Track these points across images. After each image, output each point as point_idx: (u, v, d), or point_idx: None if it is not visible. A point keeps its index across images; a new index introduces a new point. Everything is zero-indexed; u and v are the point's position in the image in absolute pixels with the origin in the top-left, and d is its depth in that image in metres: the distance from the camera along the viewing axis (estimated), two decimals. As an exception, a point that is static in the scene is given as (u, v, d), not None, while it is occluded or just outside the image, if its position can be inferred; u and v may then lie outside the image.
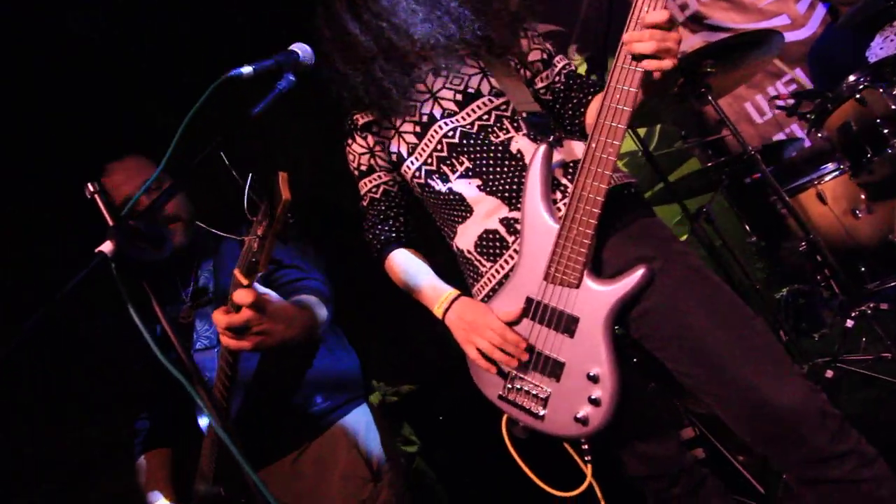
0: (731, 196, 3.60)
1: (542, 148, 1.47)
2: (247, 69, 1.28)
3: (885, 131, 2.73)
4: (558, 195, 1.53)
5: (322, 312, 1.81)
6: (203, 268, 2.06)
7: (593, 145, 1.35)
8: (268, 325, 1.49)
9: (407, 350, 5.12)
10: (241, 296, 1.42)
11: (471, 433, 3.84)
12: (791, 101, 3.13)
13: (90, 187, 1.33)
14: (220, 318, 1.45)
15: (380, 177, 1.76)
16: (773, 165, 3.53)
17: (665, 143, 4.32)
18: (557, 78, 1.66)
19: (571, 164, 1.57)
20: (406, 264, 1.71)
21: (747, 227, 3.64)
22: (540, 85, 1.66)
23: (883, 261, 2.96)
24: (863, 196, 3.04)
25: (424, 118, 1.63)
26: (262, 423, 1.87)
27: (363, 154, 1.76)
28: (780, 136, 4.49)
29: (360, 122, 1.74)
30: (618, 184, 1.50)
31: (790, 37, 4.40)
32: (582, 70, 3.37)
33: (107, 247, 1.13)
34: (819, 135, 3.08)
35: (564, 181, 1.55)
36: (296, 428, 1.92)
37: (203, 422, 1.85)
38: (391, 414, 4.05)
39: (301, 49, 1.41)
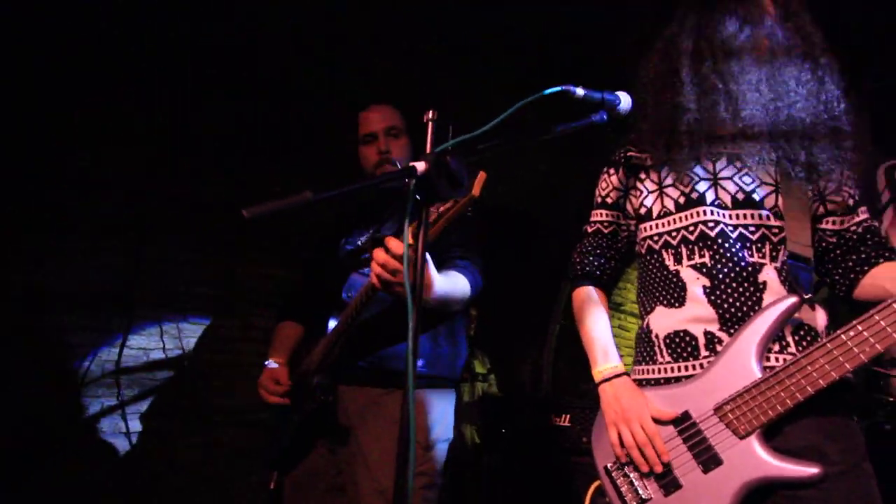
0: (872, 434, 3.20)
1: (793, 300, 1.28)
2: (580, 91, 1.23)
3: None
4: (776, 347, 1.32)
5: (462, 291, 1.78)
6: (392, 218, 2.06)
7: (852, 333, 1.16)
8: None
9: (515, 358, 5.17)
10: (395, 245, 1.44)
11: (525, 463, 3.85)
12: None
13: (429, 114, 1.26)
14: (378, 253, 1.48)
15: (618, 217, 1.60)
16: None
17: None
18: (854, 227, 1.41)
19: (806, 327, 1.33)
20: (593, 307, 1.57)
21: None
22: (830, 227, 1.42)
23: None
24: None
25: (695, 195, 1.41)
26: (370, 353, 1.88)
27: (617, 189, 1.59)
28: None
29: (632, 160, 1.56)
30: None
31: None
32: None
33: (420, 165, 1.09)
34: None
35: (789, 338, 1.32)
36: (393, 372, 1.86)
37: (332, 324, 1.89)
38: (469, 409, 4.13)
39: (624, 98, 1.32)
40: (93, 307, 2.55)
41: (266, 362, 2.04)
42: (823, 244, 1.44)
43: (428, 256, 1.55)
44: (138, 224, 2.64)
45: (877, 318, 1.15)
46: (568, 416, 3.95)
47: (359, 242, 2.07)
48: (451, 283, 1.74)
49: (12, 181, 2.34)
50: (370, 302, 1.68)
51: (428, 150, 1.17)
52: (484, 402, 4.28)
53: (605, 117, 1.28)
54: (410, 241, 1.17)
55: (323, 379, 1.87)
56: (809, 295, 1.34)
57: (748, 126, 1.36)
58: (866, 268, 1.39)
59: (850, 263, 1.41)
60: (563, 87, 1.20)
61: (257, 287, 3.15)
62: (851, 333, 1.17)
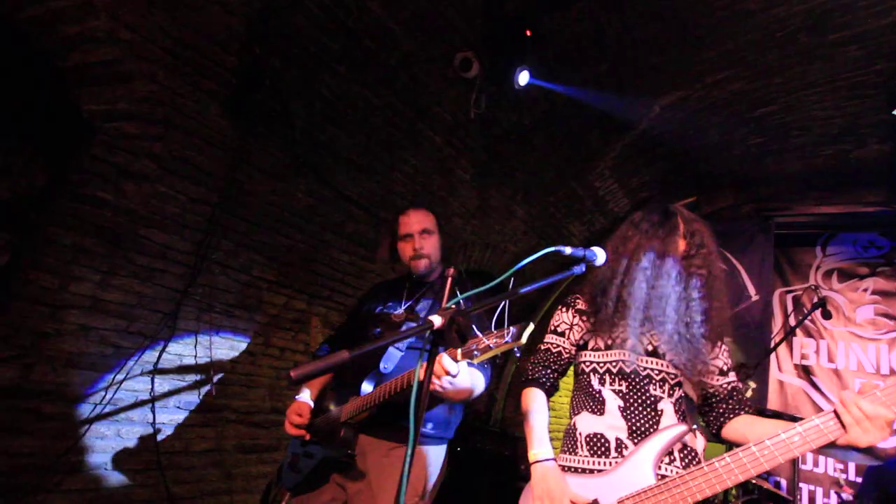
0: None
1: (684, 429, 1.45)
2: (568, 250, 1.31)
3: None
4: (666, 459, 1.48)
5: (479, 389, 1.81)
6: (425, 300, 2.04)
7: (723, 463, 1.28)
8: (451, 392, 1.59)
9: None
10: (443, 363, 1.50)
11: (473, 482, 3.87)
12: (850, 500, 2.82)
13: (450, 271, 1.36)
14: (438, 365, 1.50)
15: (564, 343, 1.69)
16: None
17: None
18: (725, 385, 1.58)
19: (688, 449, 1.51)
20: (537, 406, 1.61)
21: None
22: (709, 381, 1.59)
23: None
24: None
25: (619, 341, 1.57)
26: (395, 416, 1.82)
27: (565, 324, 1.70)
28: (809, 487, 4.08)
29: (579, 306, 1.69)
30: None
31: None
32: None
33: (437, 321, 1.12)
34: None
35: (676, 454, 1.49)
36: (405, 431, 1.83)
37: (366, 387, 1.84)
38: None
39: (600, 255, 1.39)
40: (146, 318, 2.57)
41: (297, 395, 2.00)
42: (705, 393, 1.62)
43: (464, 367, 1.60)
44: (196, 254, 2.67)
45: (740, 455, 1.27)
46: (513, 448, 4.02)
47: (389, 312, 2.04)
48: (474, 381, 1.76)
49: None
50: (406, 387, 1.68)
51: (444, 304, 1.26)
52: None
53: (584, 269, 1.38)
54: (459, 358, 1.21)
55: (349, 433, 1.82)
56: (695, 426, 1.53)
57: (663, 316, 1.54)
58: (731, 416, 1.56)
59: (720, 411, 1.58)
60: (556, 248, 1.32)
61: (280, 314, 3.18)
62: (723, 463, 1.29)
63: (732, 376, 1.61)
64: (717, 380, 1.59)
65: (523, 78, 3.15)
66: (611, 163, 4.46)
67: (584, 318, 1.67)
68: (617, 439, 1.50)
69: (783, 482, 4.16)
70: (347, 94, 2.99)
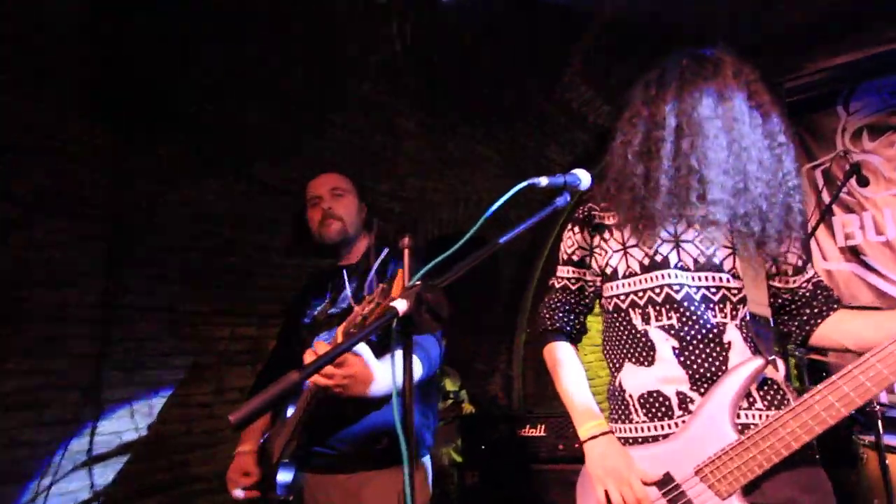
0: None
1: (759, 363, 1.35)
2: (543, 181, 1.27)
3: None
4: (744, 404, 1.37)
5: (421, 369, 1.73)
6: (351, 281, 2.01)
7: (818, 398, 1.21)
8: (347, 381, 1.55)
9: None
10: (321, 348, 1.44)
11: (504, 477, 3.91)
12: None
13: (405, 241, 1.28)
14: (313, 356, 1.45)
15: (584, 274, 1.60)
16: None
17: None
18: (805, 284, 1.51)
19: (769, 382, 1.41)
20: (568, 363, 1.57)
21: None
22: (784, 286, 1.51)
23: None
24: None
25: (659, 257, 1.45)
26: (331, 440, 1.80)
27: (581, 248, 1.60)
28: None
29: (596, 219, 1.58)
30: None
31: None
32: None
33: (401, 305, 1.06)
34: None
35: (756, 395, 1.39)
36: (358, 456, 1.78)
37: (289, 411, 1.82)
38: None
39: (584, 177, 1.34)
40: (60, 401, 2.42)
41: (238, 448, 1.97)
42: (779, 300, 1.53)
43: (363, 350, 1.57)
44: (101, 305, 2.51)
45: (839, 383, 1.21)
46: (543, 426, 4.04)
47: (314, 313, 2.04)
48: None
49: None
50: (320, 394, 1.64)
51: (407, 281, 1.18)
52: (460, 422, 4.30)
53: (568, 199, 1.31)
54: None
55: (285, 472, 1.77)
56: (773, 357, 1.39)
57: (712, 211, 1.42)
58: (819, 321, 1.49)
59: (805, 317, 1.51)
60: (528, 182, 1.24)
61: (228, 348, 3.07)
62: (818, 398, 1.22)
63: (812, 270, 1.53)
64: (795, 280, 1.50)
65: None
66: (579, 67, 4.34)
67: (607, 232, 1.54)
68: (679, 394, 1.39)
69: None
70: (240, 60, 2.78)
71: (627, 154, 1.49)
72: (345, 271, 2.05)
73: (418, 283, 1.09)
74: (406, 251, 1.27)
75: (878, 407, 2.86)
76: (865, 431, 3.03)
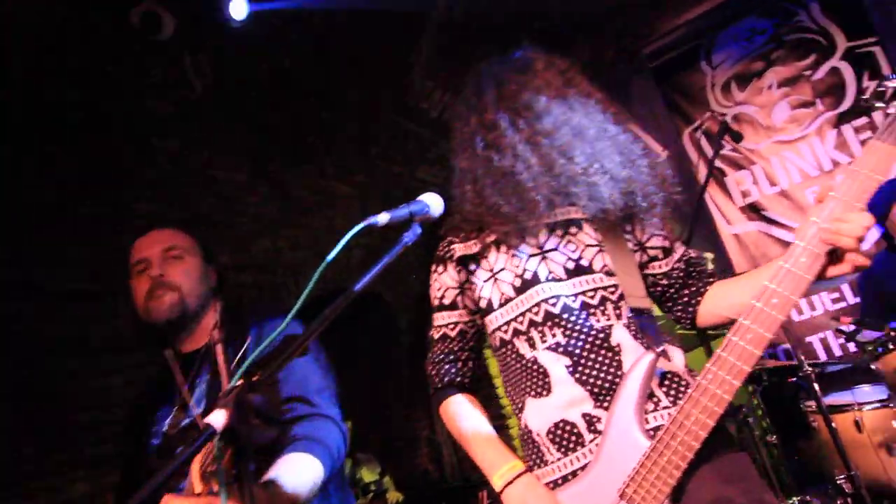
0: (764, 394, 3.49)
1: (650, 358, 1.36)
2: (383, 218, 1.20)
3: None
4: (650, 406, 1.39)
5: (312, 482, 1.53)
6: (201, 374, 1.75)
7: (710, 376, 1.24)
8: None
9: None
10: None
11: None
12: (852, 327, 2.97)
13: (215, 334, 1.22)
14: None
15: (461, 315, 1.61)
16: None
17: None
18: (677, 265, 1.56)
19: (669, 376, 1.44)
20: (467, 415, 1.56)
21: (765, 424, 3.52)
22: (657, 271, 1.56)
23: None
24: None
25: (528, 274, 1.48)
26: None
27: (451, 288, 1.61)
28: (813, 338, 4.37)
29: (458, 253, 1.59)
30: None
31: None
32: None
33: (218, 419, 0.96)
34: (873, 366, 2.91)
35: (659, 393, 1.41)
36: None
37: None
38: None
39: (433, 200, 1.32)
40: None
41: None
42: (659, 288, 1.58)
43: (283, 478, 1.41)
44: None
45: (723, 355, 1.23)
46: (485, 492, 3.75)
47: (164, 428, 1.71)
48: (292, 485, 1.45)
49: None
50: None
51: (224, 385, 1.13)
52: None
53: (419, 230, 1.27)
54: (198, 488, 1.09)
55: None
56: (662, 348, 1.43)
57: (568, 209, 1.49)
58: (699, 298, 1.54)
59: (686, 298, 1.56)
60: (365, 224, 1.18)
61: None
62: (710, 377, 1.24)
63: (681, 248, 1.59)
64: (667, 263, 1.56)
65: (238, 8, 2.85)
66: (426, 70, 4.20)
67: (472, 263, 1.58)
68: (585, 416, 1.41)
69: (783, 347, 4.35)
70: None
71: (467, 176, 1.53)
72: (191, 360, 1.78)
73: (238, 383, 1.02)
74: (217, 347, 1.24)
75: (809, 370, 2.90)
76: (809, 397, 3.09)
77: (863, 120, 4.28)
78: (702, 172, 4.77)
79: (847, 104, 4.26)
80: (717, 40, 4.77)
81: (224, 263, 3.41)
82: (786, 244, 4.46)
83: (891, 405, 2.86)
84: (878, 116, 4.26)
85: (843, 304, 4.26)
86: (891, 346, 2.81)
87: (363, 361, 4.55)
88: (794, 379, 3.35)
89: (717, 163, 4.74)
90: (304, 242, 3.80)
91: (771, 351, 4.37)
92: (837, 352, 4.22)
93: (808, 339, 4.35)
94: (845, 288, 4.24)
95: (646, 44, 4.83)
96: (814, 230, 1.19)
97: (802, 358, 2.99)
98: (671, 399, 1.40)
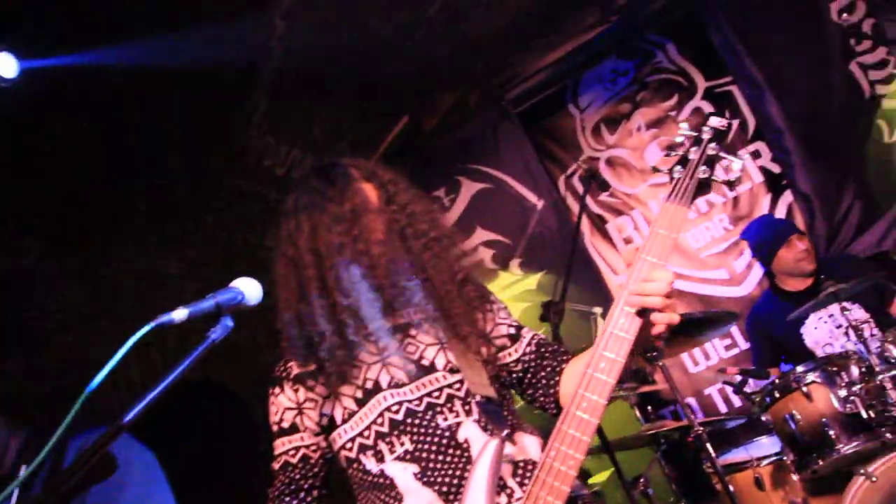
0: (666, 457, 3.56)
1: (494, 444, 1.42)
2: (180, 314, 1.15)
3: (831, 433, 2.68)
4: (503, 499, 1.45)
5: None
6: None
7: (553, 454, 1.29)
8: None
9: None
10: None
11: None
12: (738, 378, 3.05)
13: None
14: None
15: (302, 439, 1.63)
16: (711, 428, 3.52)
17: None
18: (528, 349, 1.67)
19: (522, 464, 1.51)
20: None
21: (674, 487, 3.59)
22: (508, 360, 1.66)
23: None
24: (800, 489, 2.95)
25: (369, 384, 1.55)
26: None
27: (289, 409, 1.63)
28: (712, 390, 4.50)
29: (294, 371, 1.64)
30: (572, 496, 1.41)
31: (727, 293, 4.56)
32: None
33: None
34: (763, 418, 2.98)
35: (512, 483, 1.48)
36: None
37: None
38: None
39: (248, 286, 1.29)
40: None
41: None
42: (514, 376, 1.66)
43: None
44: None
45: (563, 428, 1.29)
46: None
47: None
48: None
49: None
50: None
51: None
52: None
53: (230, 324, 1.23)
54: None
55: None
56: (506, 432, 1.48)
57: (402, 314, 1.58)
58: (557, 378, 1.63)
59: (544, 381, 1.64)
60: (155, 324, 1.12)
61: None
62: (553, 453, 1.29)
63: (528, 332, 1.70)
64: (516, 349, 1.66)
65: (6, 67, 2.85)
66: (267, 127, 4.10)
67: (312, 382, 1.61)
68: None
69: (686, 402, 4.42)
70: None
71: (289, 306, 1.58)
72: None
73: None
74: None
75: (699, 429, 2.93)
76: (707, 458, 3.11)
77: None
78: (584, 225, 4.89)
79: (713, 144, 4.51)
80: (582, 82, 5.05)
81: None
82: (676, 291, 4.59)
83: (784, 458, 2.89)
84: (742, 155, 4.48)
85: (735, 351, 4.47)
86: (777, 395, 2.90)
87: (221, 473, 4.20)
88: (692, 438, 3.38)
89: (598, 210, 4.94)
90: (112, 338, 3.44)
91: (672, 409, 4.43)
92: (738, 402, 4.32)
93: (706, 391, 4.51)
94: (737, 334, 4.43)
95: (509, 88, 4.99)
96: (625, 293, 1.30)
97: (692, 416, 3.01)
98: (525, 489, 1.43)
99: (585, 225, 4.88)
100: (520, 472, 1.50)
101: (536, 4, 4.47)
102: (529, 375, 1.66)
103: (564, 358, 1.65)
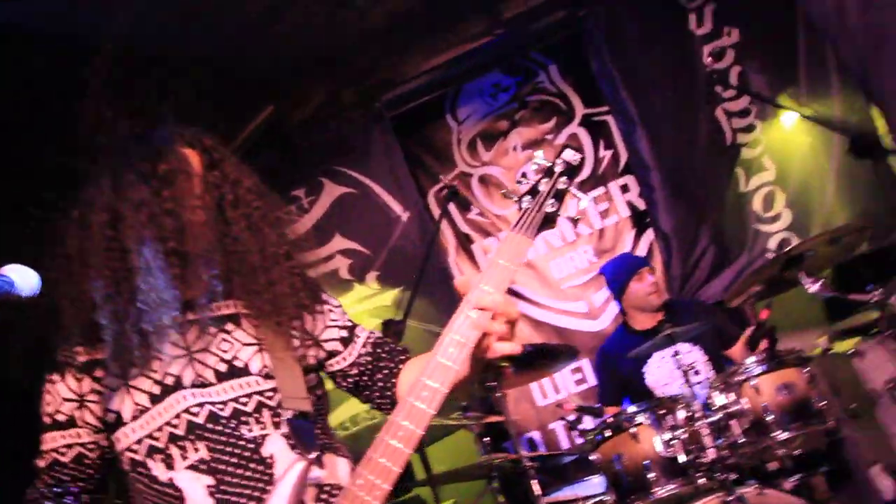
0: (503, 490, 3.66)
1: (301, 466, 1.40)
2: None
3: (650, 476, 2.87)
4: None
5: None
6: None
7: (359, 481, 1.29)
8: None
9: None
10: None
11: None
12: (573, 417, 3.23)
13: None
14: None
15: (79, 435, 1.53)
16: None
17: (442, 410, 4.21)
18: (363, 350, 1.66)
19: (328, 489, 1.50)
20: None
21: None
22: (343, 364, 1.65)
23: None
24: None
25: (169, 380, 1.48)
26: None
27: (68, 401, 1.54)
28: (556, 424, 4.71)
29: (81, 358, 1.54)
30: None
31: (583, 326, 4.82)
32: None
33: None
34: (591, 457, 3.14)
35: None
36: None
37: None
38: None
39: (20, 276, 1.28)
40: None
41: None
42: (350, 380, 1.66)
43: None
44: None
45: (373, 456, 1.30)
46: None
47: None
48: None
49: None
50: None
51: None
52: None
53: None
54: None
55: None
56: (316, 454, 1.46)
57: (210, 306, 1.51)
58: (394, 380, 1.63)
59: (381, 383, 1.64)
60: None
61: None
62: (360, 482, 1.29)
63: (363, 331, 1.70)
64: (349, 353, 1.65)
65: None
66: (106, 100, 3.90)
67: (101, 372, 1.52)
68: None
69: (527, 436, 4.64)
70: None
71: (75, 280, 1.50)
72: None
73: None
74: None
75: (528, 463, 3.11)
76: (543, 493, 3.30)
77: (600, 189, 4.85)
78: (448, 236, 5.01)
79: (585, 173, 4.75)
80: (462, 93, 5.19)
81: None
82: (531, 320, 4.81)
83: (605, 499, 3.07)
84: (612, 187, 4.84)
85: (585, 386, 4.72)
86: (608, 434, 3.07)
87: None
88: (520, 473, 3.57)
89: (466, 228, 5.08)
90: None
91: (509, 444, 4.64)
92: (580, 439, 4.55)
93: (550, 425, 4.73)
94: (587, 369, 4.66)
95: (386, 90, 5.03)
96: (462, 319, 1.30)
97: (520, 450, 3.14)
98: None
99: (451, 243, 5.04)
100: (324, 496, 1.50)
101: (422, 5, 4.54)
102: (366, 378, 1.66)
103: (402, 358, 1.66)
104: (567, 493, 3.49)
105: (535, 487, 3.03)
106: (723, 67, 4.50)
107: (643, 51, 4.62)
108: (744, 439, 2.89)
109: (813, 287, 3.01)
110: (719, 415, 2.92)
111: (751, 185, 4.54)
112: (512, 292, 4.94)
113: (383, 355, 1.66)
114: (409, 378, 1.60)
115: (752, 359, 3.04)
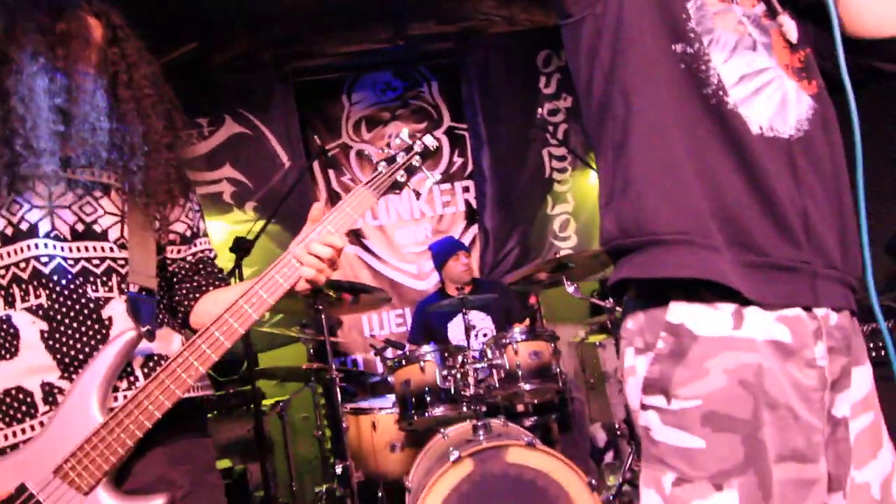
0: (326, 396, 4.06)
1: (130, 335, 1.33)
2: None
3: (428, 399, 3.25)
4: (123, 384, 1.36)
5: None
6: None
7: (180, 360, 1.30)
8: None
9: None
10: None
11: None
12: (380, 345, 3.65)
13: None
14: None
15: None
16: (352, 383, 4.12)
17: (283, 322, 4.54)
18: (189, 256, 1.58)
19: (156, 358, 1.42)
20: None
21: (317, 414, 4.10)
22: (170, 256, 1.57)
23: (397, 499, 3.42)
24: (400, 437, 3.57)
25: (25, 226, 1.36)
26: None
27: None
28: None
29: None
30: (190, 396, 1.37)
31: (412, 284, 5.28)
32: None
33: None
34: (389, 379, 3.56)
35: (139, 372, 1.39)
36: None
37: None
38: None
39: None
40: None
41: None
42: (167, 273, 1.57)
43: None
44: None
45: (198, 341, 1.32)
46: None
47: None
48: None
49: None
50: None
51: None
52: None
53: None
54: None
55: None
56: (148, 328, 1.39)
57: (79, 169, 1.40)
58: (197, 295, 1.57)
59: (184, 291, 1.58)
60: None
61: None
62: (179, 360, 1.30)
63: (202, 243, 1.61)
64: (180, 251, 1.57)
65: None
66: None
67: None
68: (45, 385, 1.32)
69: (352, 357, 5.10)
70: None
71: None
72: None
73: None
74: None
75: (335, 374, 3.34)
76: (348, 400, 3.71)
77: (448, 185, 5.36)
78: (321, 189, 5.31)
79: (440, 171, 5.29)
80: (359, 81, 5.42)
81: None
82: (373, 270, 5.24)
83: (393, 411, 3.51)
84: (457, 186, 5.38)
85: (404, 329, 5.16)
86: (403, 363, 3.44)
87: None
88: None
89: (337, 188, 5.32)
90: None
91: (342, 360, 5.06)
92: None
93: (372, 353, 5.11)
94: (408, 316, 5.15)
95: (298, 59, 5.15)
96: (301, 245, 1.34)
97: (332, 363, 3.38)
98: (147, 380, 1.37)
99: (322, 196, 5.27)
100: (150, 363, 1.41)
101: (350, 1, 4.71)
102: (175, 280, 1.58)
103: (215, 283, 1.59)
104: (365, 404, 3.80)
105: (336, 392, 3.30)
106: (555, 122, 5.13)
107: (501, 92, 5.12)
108: (498, 385, 3.25)
109: (570, 288, 3.40)
110: (485, 364, 3.26)
111: (555, 210, 5.22)
112: (364, 247, 5.35)
113: (202, 271, 1.59)
114: (217, 300, 1.54)
115: (518, 329, 3.40)
